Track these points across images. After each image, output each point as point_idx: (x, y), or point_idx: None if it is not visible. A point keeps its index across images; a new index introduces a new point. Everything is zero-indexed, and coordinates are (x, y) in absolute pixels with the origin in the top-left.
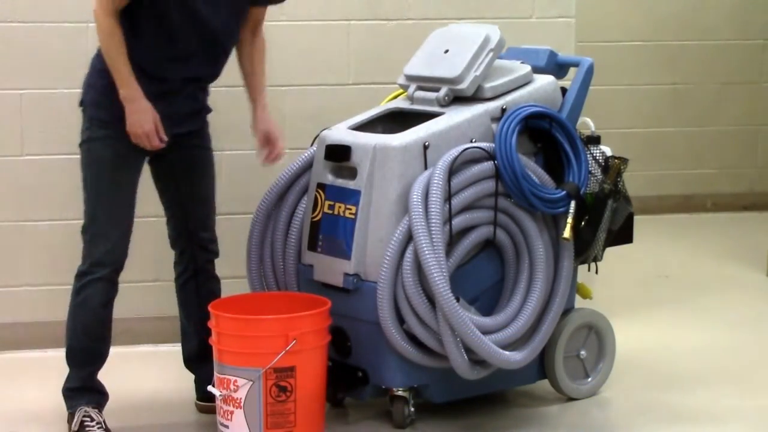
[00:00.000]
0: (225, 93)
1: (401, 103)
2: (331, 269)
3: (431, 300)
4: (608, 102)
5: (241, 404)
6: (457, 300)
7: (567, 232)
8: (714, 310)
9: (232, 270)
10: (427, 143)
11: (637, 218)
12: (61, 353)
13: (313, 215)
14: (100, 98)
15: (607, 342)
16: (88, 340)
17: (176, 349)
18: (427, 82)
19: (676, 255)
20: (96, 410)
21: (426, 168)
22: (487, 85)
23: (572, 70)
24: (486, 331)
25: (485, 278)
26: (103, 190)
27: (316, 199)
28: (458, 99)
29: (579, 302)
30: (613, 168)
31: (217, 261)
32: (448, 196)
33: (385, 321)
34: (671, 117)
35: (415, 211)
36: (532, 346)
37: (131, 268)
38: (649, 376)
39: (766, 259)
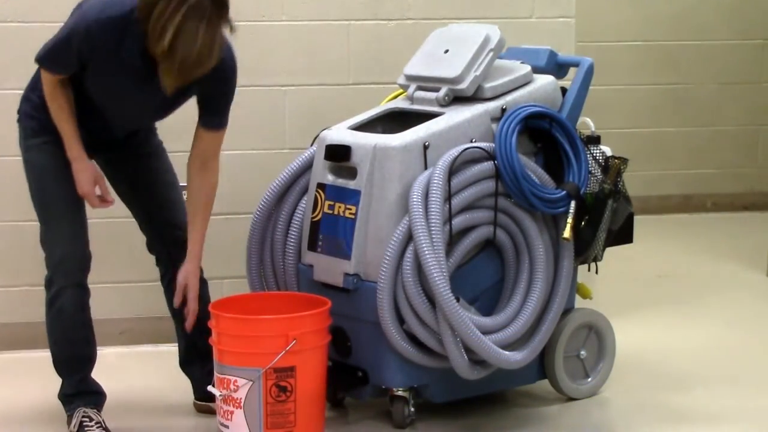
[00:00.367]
0: None
1: (401, 103)
2: (331, 269)
3: (431, 300)
4: (608, 102)
5: (241, 404)
6: (457, 300)
7: (567, 232)
8: (714, 310)
9: (232, 270)
10: (427, 143)
11: (637, 218)
12: None
13: (313, 215)
14: (32, 111)
15: (607, 342)
16: (71, 348)
17: (176, 349)
18: (427, 82)
19: (676, 255)
20: (95, 410)
21: (426, 168)
22: (487, 85)
23: (572, 70)
24: (486, 331)
25: (485, 278)
26: (48, 196)
27: (316, 199)
28: (458, 99)
29: (579, 302)
30: (613, 168)
31: (216, 261)
32: (448, 196)
33: (385, 321)
34: (671, 117)
35: (415, 211)
36: (532, 346)
37: (131, 269)
38: (649, 376)
39: (766, 259)
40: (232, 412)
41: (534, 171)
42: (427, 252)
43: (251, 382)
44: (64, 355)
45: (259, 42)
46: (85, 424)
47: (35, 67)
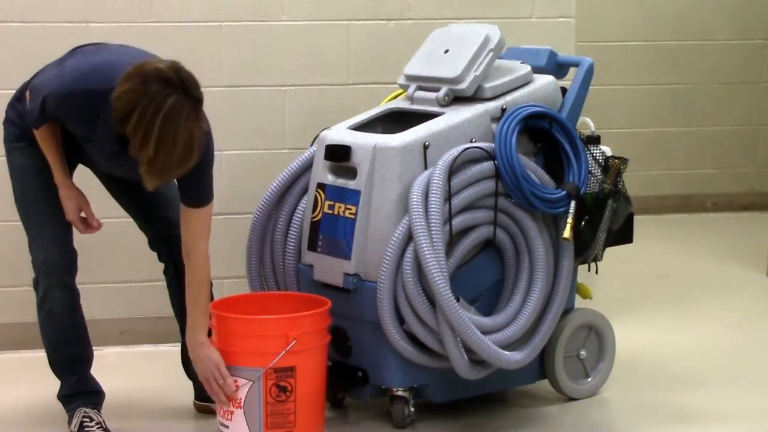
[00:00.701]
0: (225, 93)
1: (401, 103)
2: (331, 269)
3: (431, 300)
4: (608, 102)
5: (241, 404)
6: (457, 300)
7: (567, 232)
8: (714, 310)
9: (232, 270)
10: (427, 143)
11: (637, 218)
12: None
13: (313, 215)
14: (16, 120)
15: (607, 342)
16: (65, 349)
17: (176, 349)
18: (427, 82)
19: (676, 255)
20: (95, 410)
21: (426, 168)
22: (487, 85)
23: (572, 70)
24: (486, 331)
25: (485, 278)
26: (30, 198)
27: (316, 199)
28: (458, 99)
29: (579, 302)
30: (613, 168)
31: (216, 261)
32: (448, 196)
33: (385, 321)
34: (671, 117)
35: (415, 211)
36: (532, 346)
37: (131, 269)
38: (649, 376)
39: (766, 259)
40: (232, 412)
41: (534, 171)
42: (427, 252)
43: (251, 382)
44: (59, 357)
45: (259, 42)
46: (85, 424)
47: (35, 67)
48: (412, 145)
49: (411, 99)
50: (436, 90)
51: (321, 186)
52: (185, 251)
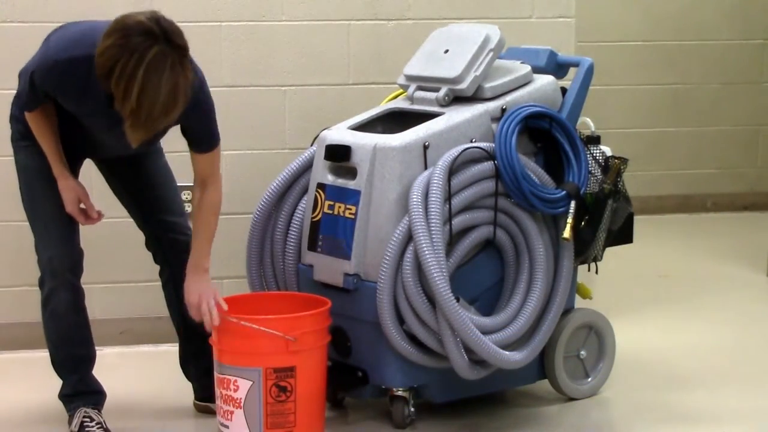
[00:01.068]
0: (225, 93)
1: (401, 103)
2: (331, 269)
3: (431, 300)
4: (608, 102)
5: (241, 404)
6: (457, 300)
7: (567, 232)
8: (714, 310)
9: (232, 270)
10: (427, 143)
11: (637, 218)
12: None
13: (313, 215)
14: (19, 115)
15: (607, 342)
16: (68, 348)
17: (176, 349)
18: (426, 82)
19: (676, 255)
20: (95, 410)
21: (426, 168)
22: (487, 85)
23: (572, 70)
24: (486, 331)
25: (485, 278)
26: (36, 197)
27: (316, 199)
28: (458, 99)
29: (579, 302)
30: (613, 168)
31: (217, 261)
32: (448, 196)
33: (385, 321)
34: (671, 117)
35: (415, 211)
36: (532, 346)
37: (131, 269)
38: (649, 376)
39: (766, 259)
40: (232, 412)
41: (534, 171)
42: (427, 252)
43: (251, 382)
44: (61, 356)
45: (259, 42)
46: (85, 424)
47: None
48: (412, 145)
49: (411, 99)
50: (436, 90)
51: (321, 186)
52: (201, 184)
